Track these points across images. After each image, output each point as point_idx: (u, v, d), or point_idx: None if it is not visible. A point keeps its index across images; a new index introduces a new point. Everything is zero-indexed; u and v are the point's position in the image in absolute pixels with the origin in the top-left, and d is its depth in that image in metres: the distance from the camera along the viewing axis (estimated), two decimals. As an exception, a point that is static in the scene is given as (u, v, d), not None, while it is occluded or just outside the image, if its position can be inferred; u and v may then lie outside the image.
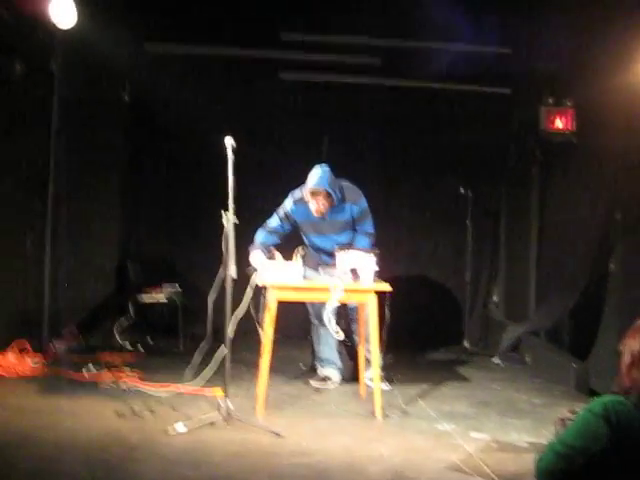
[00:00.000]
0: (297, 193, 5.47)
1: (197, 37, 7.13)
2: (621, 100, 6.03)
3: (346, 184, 5.47)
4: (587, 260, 6.34)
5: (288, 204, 5.48)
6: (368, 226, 5.51)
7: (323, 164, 5.35)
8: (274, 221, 5.51)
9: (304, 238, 5.62)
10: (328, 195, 5.26)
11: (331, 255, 5.20)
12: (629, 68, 5.99)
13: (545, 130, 7.01)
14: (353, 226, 5.50)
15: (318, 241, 5.55)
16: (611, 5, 5.76)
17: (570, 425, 2.60)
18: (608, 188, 6.24)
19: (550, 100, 7.03)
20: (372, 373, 5.12)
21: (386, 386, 5.44)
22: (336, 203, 5.33)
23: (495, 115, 7.59)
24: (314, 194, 5.27)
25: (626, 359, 2.55)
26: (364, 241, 5.44)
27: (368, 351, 5.21)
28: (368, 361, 5.26)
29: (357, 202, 5.43)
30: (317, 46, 7.23)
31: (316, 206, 5.30)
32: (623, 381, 2.53)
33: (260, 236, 5.43)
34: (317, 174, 5.27)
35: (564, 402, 5.22)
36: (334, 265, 4.93)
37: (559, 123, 6.97)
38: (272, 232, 5.47)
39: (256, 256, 5.18)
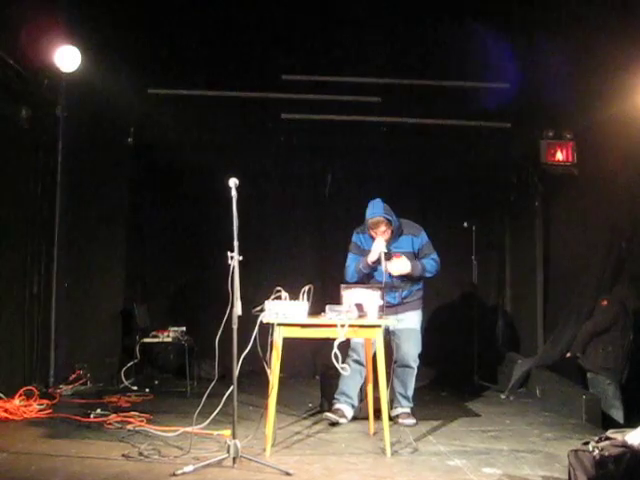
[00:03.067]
0: (359, 228, 5.60)
1: (200, 80, 7.25)
2: (619, 130, 6.09)
3: (405, 221, 5.59)
4: (592, 289, 6.33)
5: (354, 238, 5.60)
6: (434, 255, 5.61)
7: (376, 198, 5.44)
8: (350, 256, 5.58)
9: None
10: (388, 222, 5.34)
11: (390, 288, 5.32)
12: (626, 99, 6.05)
13: (546, 162, 7.08)
14: (416, 258, 5.55)
15: (376, 274, 5.55)
16: (608, 39, 5.85)
17: None
18: (612, 217, 6.26)
19: (550, 133, 7.11)
20: (396, 410, 5.48)
21: (411, 421, 5.53)
22: (395, 231, 5.40)
23: (496, 149, 7.65)
24: (375, 225, 5.35)
25: None
26: (430, 264, 5.53)
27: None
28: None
29: (418, 235, 5.56)
30: (317, 86, 7.33)
31: (382, 236, 5.35)
32: None
33: (353, 266, 5.49)
34: (371, 207, 5.39)
35: (576, 435, 5.16)
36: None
37: (559, 155, 7.04)
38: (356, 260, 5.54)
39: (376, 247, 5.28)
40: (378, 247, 5.34)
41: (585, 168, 6.92)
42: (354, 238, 5.61)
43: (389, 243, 5.42)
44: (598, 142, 6.63)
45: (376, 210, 5.35)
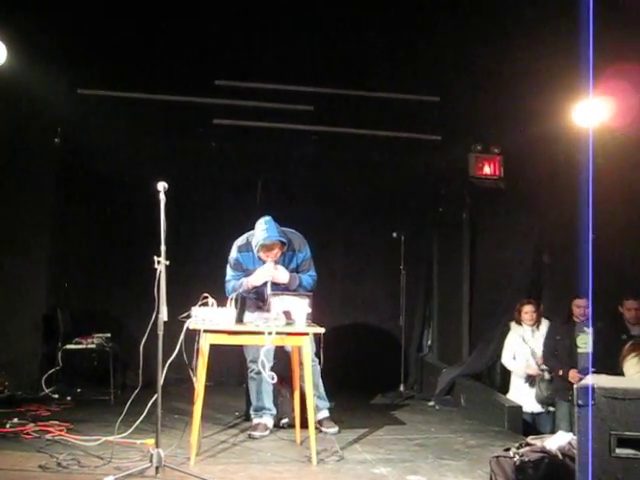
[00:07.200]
0: (240, 241, 5.40)
1: (131, 82, 7.12)
2: (546, 147, 6.27)
3: (290, 231, 5.44)
4: (516, 302, 6.49)
5: (234, 253, 5.40)
6: (312, 271, 5.50)
7: (265, 216, 5.29)
8: (231, 272, 5.40)
9: None
10: (282, 244, 5.22)
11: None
12: (552, 116, 6.25)
13: (474, 176, 7.23)
14: (296, 272, 5.46)
15: (262, 288, 5.41)
16: (537, 56, 6.02)
17: None
18: (535, 231, 6.43)
19: (478, 147, 7.26)
20: (317, 417, 5.27)
21: (334, 429, 5.51)
22: (286, 251, 5.29)
23: (426, 161, 7.77)
24: (269, 248, 5.18)
25: None
26: (307, 280, 5.40)
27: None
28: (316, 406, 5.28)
29: (302, 250, 5.42)
30: (251, 93, 7.30)
31: (272, 258, 5.21)
32: None
33: (233, 284, 5.32)
34: (264, 228, 5.19)
35: (498, 442, 5.26)
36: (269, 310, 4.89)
37: (487, 169, 7.21)
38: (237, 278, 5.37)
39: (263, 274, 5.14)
40: (265, 275, 5.19)
41: (512, 182, 7.10)
42: (237, 255, 5.37)
43: (276, 262, 5.28)
44: (525, 157, 6.82)
45: (271, 233, 5.15)
